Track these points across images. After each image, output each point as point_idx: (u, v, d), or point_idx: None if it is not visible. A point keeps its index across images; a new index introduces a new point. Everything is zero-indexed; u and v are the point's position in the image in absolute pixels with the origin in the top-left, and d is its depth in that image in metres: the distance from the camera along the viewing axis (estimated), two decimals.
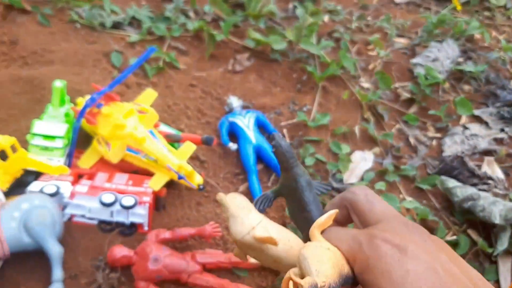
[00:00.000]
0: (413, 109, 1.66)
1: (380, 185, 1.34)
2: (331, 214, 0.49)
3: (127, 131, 1.21)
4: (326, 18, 2.09)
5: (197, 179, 1.20)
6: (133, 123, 1.23)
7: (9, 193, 1.18)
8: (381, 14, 2.20)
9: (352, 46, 1.95)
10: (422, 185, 1.39)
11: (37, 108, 1.46)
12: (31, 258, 1.11)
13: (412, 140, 1.55)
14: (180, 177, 1.17)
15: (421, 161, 1.47)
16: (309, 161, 1.41)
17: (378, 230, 0.43)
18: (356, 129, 1.54)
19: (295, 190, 0.55)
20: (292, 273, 0.43)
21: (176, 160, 1.18)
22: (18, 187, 1.21)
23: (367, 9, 2.25)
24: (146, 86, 1.65)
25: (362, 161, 1.45)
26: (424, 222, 1.29)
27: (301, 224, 0.56)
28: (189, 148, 1.24)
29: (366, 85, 1.74)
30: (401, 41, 1.98)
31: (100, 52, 1.72)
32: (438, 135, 1.58)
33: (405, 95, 1.69)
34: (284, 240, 0.52)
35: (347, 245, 0.44)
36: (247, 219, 0.52)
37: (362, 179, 1.39)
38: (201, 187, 1.20)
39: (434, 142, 1.55)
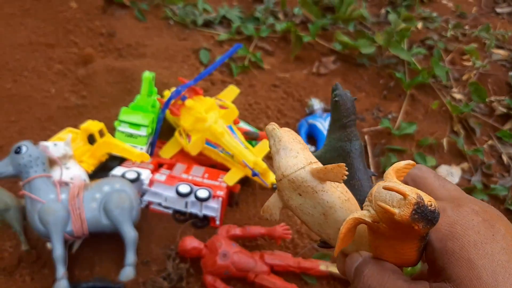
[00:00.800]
0: (508, 125, 1.53)
1: None
2: (410, 162, 0.40)
3: (207, 124, 1.23)
4: (419, 25, 2.00)
5: (271, 178, 1.19)
6: (214, 118, 1.24)
7: (93, 176, 1.24)
8: (480, 23, 2.06)
9: (446, 55, 1.84)
10: None
11: (127, 98, 1.53)
12: (108, 240, 1.15)
13: (505, 158, 1.42)
14: (254, 174, 1.16)
15: None
16: None
17: (464, 201, 0.38)
18: (444, 142, 1.44)
19: (347, 154, 0.48)
20: (360, 213, 0.35)
21: (251, 157, 1.18)
22: (102, 171, 1.27)
23: (465, 18, 2.12)
24: (230, 83, 1.67)
25: (448, 176, 1.35)
26: None
27: None
28: (265, 146, 1.22)
29: (458, 96, 1.63)
30: (500, 53, 1.84)
31: (189, 48, 1.77)
32: None
33: (501, 109, 1.56)
34: (342, 188, 0.40)
35: None
36: (303, 154, 0.41)
37: None
38: (275, 186, 1.18)
39: None
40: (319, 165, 0.40)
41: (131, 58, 1.70)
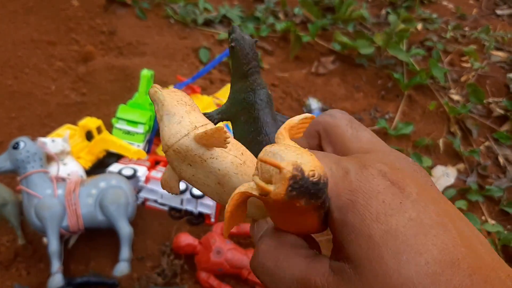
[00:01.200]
0: (506, 127, 1.53)
1: (461, 204, 1.26)
2: (307, 116, 0.34)
3: None
4: (419, 26, 2.00)
5: None
6: None
7: (91, 172, 1.25)
8: (480, 25, 2.06)
9: (445, 56, 1.84)
10: (508, 209, 1.28)
11: (126, 95, 1.54)
12: (104, 236, 1.16)
13: (501, 160, 1.43)
14: None
15: (509, 183, 1.35)
16: None
17: (372, 160, 0.30)
18: (440, 142, 1.45)
19: (251, 106, 0.42)
20: (247, 186, 0.30)
21: None
22: (99, 167, 1.29)
23: (465, 19, 2.12)
24: (229, 82, 1.68)
25: (444, 176, 1.36)
26: (506, 249, 1.19)
27: (254, 152, 0.36)
28: None
29: (455, 97, 1.64)
30: (499, 55, 1.84)
31: (189, 47, 1.78)
32: None
33: (498, 111, 1.57)
34: (236, 151, 0.34)
35: (328, 170, 0.29)
36: (188, 118, 0.35)
37: None
38: None
39: None
40: (207, 128, 0.34)
41: (131, 56, 1.71)
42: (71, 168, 1.18)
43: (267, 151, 0.28)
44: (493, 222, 1.24)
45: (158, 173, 1.21)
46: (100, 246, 1.17)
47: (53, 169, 1.14)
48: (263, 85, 0.43)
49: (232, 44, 0.42)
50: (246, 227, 1.16)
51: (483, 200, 1.30)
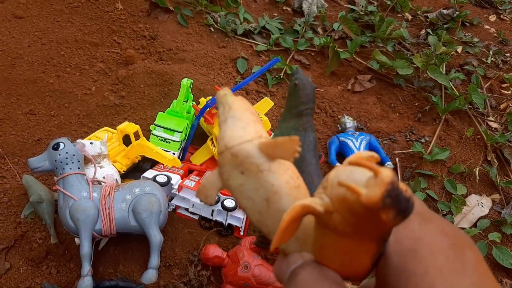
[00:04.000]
0: None
1: (495, 236, 1.23)
2: (374, 155, 0.30)
3: None
4: (459, 49, 1.97)
5: None
6: None
7: (125, 176, 1.27)
8: None
9: (485, 81, 1.81)
10: None
11: (163, 101, 1.56)
12: (134, 240, 1.18)
13: None
14: None
15: None
16: (420, 196, 1.33)
17: (434, 217, 0.32)
18: (476, 171, 1.42)
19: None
20: (311, 200, 0.29)
21: None
22: (134, 171, 1.31)
23: (506, 45, 2.08)
24: (264, 94, 1.69)
25: (478, 206, 1.33)
26: None
27: None
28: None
29: (494, 125, 1.61)
30: None
31: (228, 56, 1.79)
32: None
33: None
34: (293, 173, 0.33)
35: None
36: (254, 126, 0.34)
37: (475, 225, 1.28)
38: None
39: None
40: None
41: (170, 62, 1.73)
42: (107, 171, 1.20)
43: (345, 163, 0.28)
44: None
45: (191, 182, 1.22)
46: (130, 250, 1.18)
47: (89, 172, 1.17)
48: (313, 129, 0.43)
49: (296, 82, 0.43)
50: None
51: None
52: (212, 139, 1.30)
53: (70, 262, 1.17)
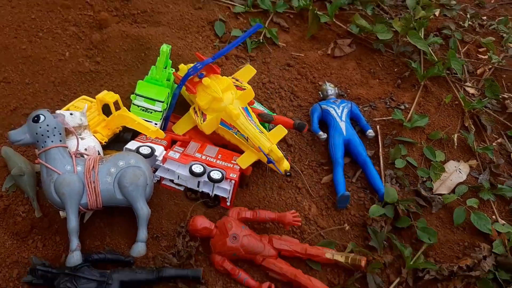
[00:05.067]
0: None
1: (473, 202, 1.27)
2: None
3: (223, 104, 1.22)
4: (437, 12, 1.97)
5: (284, 165, 1.20)
6: (230, 98, 1.24)
7: (107, 147, 1.24)
8: (498, 14, 2.04)
9: (462, 46, 1.83)
10: None
11: (140, 66, 1.51)
12: (119, 213, 1.17)
13: None
14: (269, 161, 1.17)
15: None
16: (400, 163, 1.36)
17: None
18: (455, 137, 1.45)
19: None
20: None
21: (267, 143, 1.18)
22: (116, 142, 1.28)
23: (483, 7, 2.09)
24: (244, 59, 1.66)
25: (456, 172, 1.37)
26: None
27: None
28: (280, 131, 1.23)
29: (471, 90, 1.64)
30: None
31: (205, 19, 1.74)
32: None
33: None
34: None
35: None
36: None
37: (453, 191, 1.33)
38: (288, 173, 1.19)
39: None
40: None
41: (145, 25, 1.67)
42: (88, 142, 1.17)
43: None
44: (503, 222, 1.27)
45: (175, 153, 1.21)
46: (115, 222, 1.17)
47: (71, 144, 1.13)
48: None
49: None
50: (262, 214, 1.16)
51: (494, 199, 1.32)
52: (194, 108, 1.28)
53: (56, 235, 1.15)
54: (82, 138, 1.16)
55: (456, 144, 1.44)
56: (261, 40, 1.71)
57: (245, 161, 1.22)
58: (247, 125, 1.22)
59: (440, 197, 1.30)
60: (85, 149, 1.15)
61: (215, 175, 1.16)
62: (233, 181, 1.17)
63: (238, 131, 1.22)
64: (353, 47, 1.75)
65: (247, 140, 1.21)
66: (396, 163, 1.36)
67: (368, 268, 1.15)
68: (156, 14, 1.71)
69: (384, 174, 1.35)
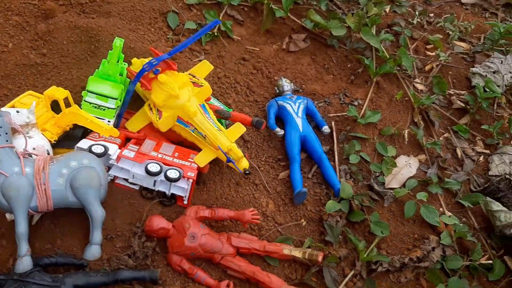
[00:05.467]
0: (464, 120, 1.61)
1: (422, 196, 1.32)
2: None
3: (180, 102, 1.20)
4: (387, 8, 2.01)
5: (243, 163, 1.19)
6: (187, 95, 1.22)
7: (56, 145, 1.19)
8: (444, 12, 2.11)
9: (411, 42, 1.88)
10: (464, 202, 1.36)
11: (90, 59, 1.45)
12: (69, 213, 1.12)
13: (459, 152, 1.51)
14: (228, 160, 1.16)
15: (466, 176, 1.43)
16: (354, 158, 1.39)
17: None
18: (405, 133, 1.50)
19: None
20: None
21: (226, 141, 1.17)
22: (66, 139, 1.23)
23: (430, 4, 2.16)
24: (198, 52, 1.63)
25: (406, 166, 1.42)
26: (460, 241, 1.27)
27: None
28: (239, 129, 1.22)
29: (420, 86, 1.69)
30: (462, 45, 1.90)
31: (157, 10, 1.69)
32: (487, 151, 1.53)
33: (459, 103, 1.64)
34: None
35: None
36: None
37: (404, 185, 1.37)
38: (247, 171, 1.19)
39: (482, 158, 1.51)
40: None
41: (95, 15, 1.60)
42: (37, 141, 1.11)
43: None
44: (449, 214, 1.32)
45: (130, 152, 1.18)
46: (67, 223, 1.13)
47: (18, 143, 1.08)
48: None
49: None
50: (220, 212, 1.16)
51: (442, 192, 1.37)
52: (149, 105, 1.24)
53: (2, 239, 1.09)
54: (30, 137, 1.11)
55: (406, 140, 1.49)
56: (215, 34, 1.68)
57: (202, 159, 1.20)
58: (205, 123, 1.20)
59: (392, 191, 1.34)
60: (34, 149, 1.10)
61: (172, 174, 1.14)
62: (190, 180, 1.15)
63: (195, 128, 1.20)
64: (307, 42, 1.76)
65: (204, 138, 1.20)
66: (351, 159, 1.39)
67: (324, 262, 1.17)
68: (105, 4, 1.64)
69: (339, 169, 1.38)
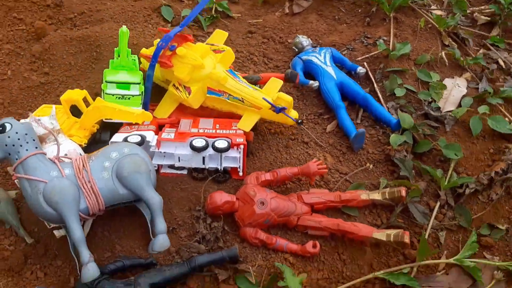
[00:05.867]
0: (495, 32, 1.52)
1: (484, 109, 1.22)
2: None
3: (206, 71, 1.10)
4: None
5: (293, 113, 1.09)
6: (212, 63, 1.12)
7: (86, 151, 1.08)
8: None
9: None
10: None
11: (95, 66, 1.36)
12: (120, 216, 1.01)
13: (502, 63, 1.41)
14: (278, 110, 1.06)
15: None
16: (399, 92, 1.29)
17: None
18: (443, 55, 1.40)
19: None
20: None
21: (269, 94, 1.07)
22: (94, 144, 1.12)
23: None
24: (203, 37, 1.54)
25: (455, 88, 1.31)
26: None
27: None
28: (276, 83, 1.12)
29: (438, 12, 1.59)
30: None
31: (148, 8, 1.60)
32: None
33: (484, 18, 1.55)
34: None
35: None
36: None
37: (460, 106, 1.27)
38: (300, 121, 1.08)
39: None
40: None
41: (87, 25, 1.51)
42: (67, 146, 1.01)
43: None
44: None
45: (169, 134, 1.07)
46: (120, 227, 1.02)
47: (49, 151, 0.97)
48: None
49: None
50: (283, 171, 1.05)
51: (502, 102, 1.27)
52: (174, 85, 1.14)
53: (56, 259, 0.98)
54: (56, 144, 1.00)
55: (447, 62, 1.39)
56: (214, 15, 1.59)
57: (247, 123, 1.09)
58: (239, 86, 1.10)
59: (450, 113, 1.23)
60: (65, 155, 0.99)
61: (221, 144, 1.03)
62: (241, 146, 1.04)
63: (230, 95, 1.10)
64: (309, 1, 1.67)
65: (243, 102, 1.09)
66: (396, 92, 1.29)
67: (407, 199, 1.05)
68: (95, 13, 1.56)
69: (386, 107, 1.27)
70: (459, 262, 0.98)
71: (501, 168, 1.10)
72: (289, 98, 1.07)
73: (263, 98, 1.06)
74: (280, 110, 1.06)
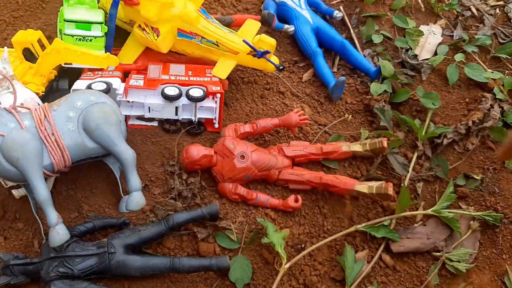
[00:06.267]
0: None
1: (460, 57, 1.20)
2: None
3: (176, 10, 0.99)
4: None
5: (274, 58, 1.02)
6: (182, 1, 1.01)
7: (43, 100, 0.97)
8: None
9: None
10: (500, 54, 1.25)
11: (45, 6, 1.22)
12: (85, 173, 0.93)
13: (474, 10, 1.38)
14: (261, 54, 0.98)
15: (491, 30, 1.31)
16: (377, 38, 1.24)
17: None
18: (419, 1, 1.35)
19: None
20: None
21: (242, 38, 0.99)
22: (51, 93, 1.00)
23: None
24: None
25: (431, 35, 1.28)
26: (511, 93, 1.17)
27: None
28: (253, 25, 1.04)
29: None
30: None
31: None
32: (501, 2, 1.41)
33: None
34: None
35: None
36: None
37: (435, 53, 1.24)
38: (281, 67, 1.02)
39: (498, 11, 1.39)
40: None
41: None
42: (23, 95, 0.89)
43: None
44: (490, 70, 1.21)
45: (137, 81, 0.97)
46: (86, 185, 0.93)
47: (3, 100, 0.86)
48: None
49: None
50: (263, 123, 0.99)
51: (477, 50, 1.25)
52: (140, 26, 1.03)
53: (17, 222, 0.89)
54: (11, 93, 0.88)
55: (423, 7, 1.35)
56: None
57: (222, 70, 1.01)
58: (212, 27, 1.01)
59: (427, 61, 1.20)
60: (22, 104, 0.87)
61: (196, 92, 0.95)
62: (218, 95, 0.97)
63: (203, 37, 1.00)
64: None
65: (217, 46, 1.00)
66: (373, 39, 1.24)
67: (387, 149, 1.03)
68: None
69: (363, 55, 1.22)
70: (437, 213, 0.98)
71: (478, 117, 1.09)
72: (273, 41, 0.99)
73: (244, 41, 0.97)
74: (263, 54, 0.98)
